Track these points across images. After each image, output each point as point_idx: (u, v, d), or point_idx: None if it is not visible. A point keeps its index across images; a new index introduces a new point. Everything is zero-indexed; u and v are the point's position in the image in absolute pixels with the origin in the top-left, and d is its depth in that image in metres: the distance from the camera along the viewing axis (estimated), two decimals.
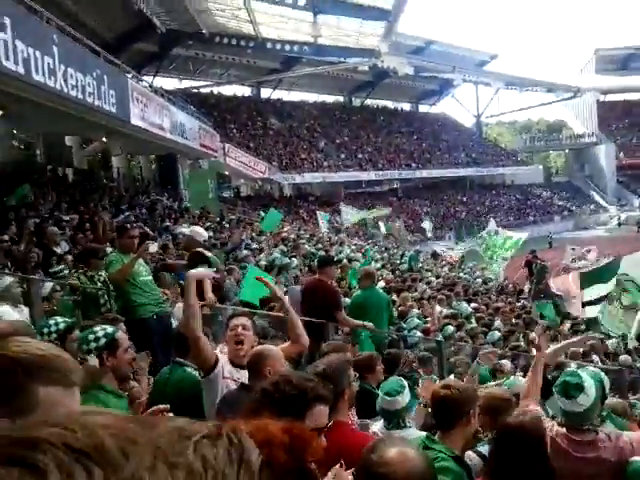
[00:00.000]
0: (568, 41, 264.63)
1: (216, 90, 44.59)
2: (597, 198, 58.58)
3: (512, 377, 6.64)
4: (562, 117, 73.95)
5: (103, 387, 2.82)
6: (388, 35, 33.28)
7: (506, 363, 7.55)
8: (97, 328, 3.03)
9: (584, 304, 17.14)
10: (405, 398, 3.45)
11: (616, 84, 63.91)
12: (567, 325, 14.02)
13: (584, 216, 53.31)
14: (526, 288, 19.66)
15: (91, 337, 2.92)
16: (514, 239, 20.25)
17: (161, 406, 1.56)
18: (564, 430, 2.83)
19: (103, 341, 2.91)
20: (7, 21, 8.16)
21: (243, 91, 48.53)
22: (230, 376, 3.41)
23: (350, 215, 25.71)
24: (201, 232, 7.37)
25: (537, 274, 19.94)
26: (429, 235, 30.45)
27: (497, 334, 9.78)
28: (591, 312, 15.65)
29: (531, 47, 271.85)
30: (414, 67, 46.31)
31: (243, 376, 3.38)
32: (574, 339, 5.44)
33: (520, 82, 57.73)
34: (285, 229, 19.74)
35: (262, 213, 20.45)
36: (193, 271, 3.71)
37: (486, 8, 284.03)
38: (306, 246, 16.61)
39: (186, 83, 43.28)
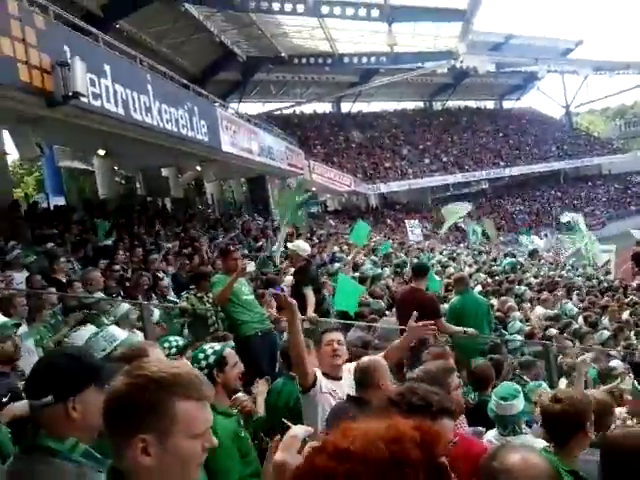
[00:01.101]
0: None
1: (298, 110, 45.59)
2: None
3: (628, 378, 6.33)
4: None
5: (214, 408, 2.92)
6: (465, 35, 32.54)
7: (618, 364, 7.17)
8: (206, 347, 3.21)
9: None
10: (520, 403, 3.40)
11: None
12: None
13: None
14: (635, 283, 18.53)
15: (201, 356, 3.10)
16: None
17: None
18: None
19: (212, 359, 3.08)
20: (107, 68, 8.90)
21: (324, 108, 49.30)
22: (327, 390, 3.52)
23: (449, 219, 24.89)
24: (304, 247, 7.53)
25: None
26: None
27: (606, 333, 9.33)
28: None
29: (618, 28, 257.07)
30: (495, 63, 45.03)
31: (338, 388, 3.52)
32: None
33: (610, 66, 54.65)
34: (373, 240, 19.78)
35: (329, 223, 20.38)
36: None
37: None
38: (400, 254, 16.61)
39: (269, 106, 44.51)
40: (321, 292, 7.76)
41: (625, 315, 11.87)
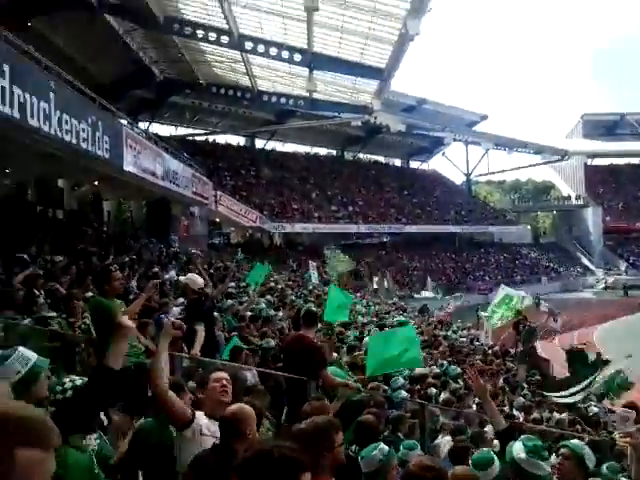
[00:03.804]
0: (556, 105, 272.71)
1: (211, 138, 45.32)
2: (584, 261, 59.18)
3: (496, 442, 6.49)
4: (550, 178, 75.44)
5: (67, 441, 2.67)
6: (381, 93, 33.91)
7: (490, 430, 7.36)
8: (65, 379, 2.96)
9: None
10: (374, 460, 3.39)
11: (603, 149, 65.57)
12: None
13: (571, 278, 53.66)
14: (514, 350, 19.50)
15: (58, 388, 2.85)
16: (516, 298, 19.78)
17: None
18: None
19: (69, 393, 2.84)
20: (6, 68, 8.30)
21: (238, 140, 49.42)
22: (208, 432, 3.32)
23: (335, 264, 25.30)
24: (197, 280, 7.24)
25: (525, 336, 19.82)
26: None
27: None
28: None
29: (520, 110, 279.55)
30: (406, 125, 47.25)
31: None
32: None
33: (509, 143, 59.02)
34: (273, 279, 19.61)
35: (239, 255, 20.35)
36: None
37: (478, 70, 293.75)
38: (293, 297, 16.50)
39: (182, 131, 44.02)
40: (213, 330, 7.47)
41: (500, 381, 12.36)
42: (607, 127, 66.17)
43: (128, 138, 13.76)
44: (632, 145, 64.35)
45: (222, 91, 34.37)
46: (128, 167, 13.63)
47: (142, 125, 31.96)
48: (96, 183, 16.02)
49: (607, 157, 67.21)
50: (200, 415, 3.41)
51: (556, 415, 10.07)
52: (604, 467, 5.50)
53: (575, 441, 3.70)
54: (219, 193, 30.20)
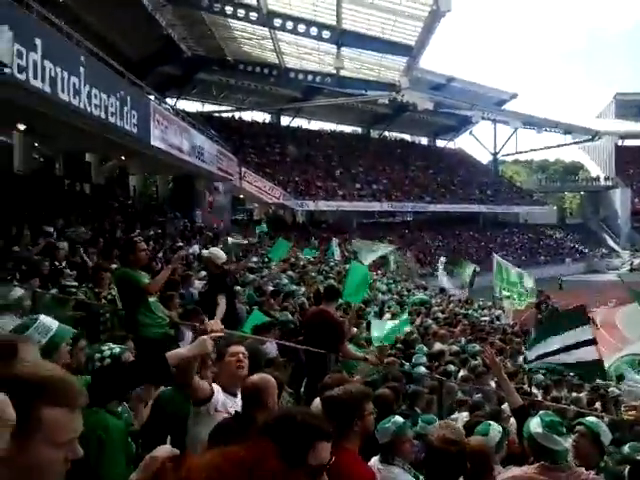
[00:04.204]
0: (587, 85, 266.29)
1: (237, 115, 45.34)
2: (610, 242, 58.08)
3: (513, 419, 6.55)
4: (579, 159, 73.93)
5: (106, 407, 2.77)
6: (409, 70, 33.50)
7: (506, 408, 7.41)
8: (104, 347, 2.99)
9: None
10: (388, 432, 3.43)
11: (634, 129, 63.78)
12: None
13: (596, 259, 52.83)
14: (534, 329, 19.36)
15: (97, 356, 2.89)
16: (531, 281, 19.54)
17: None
18: None
19: (108, 361, 2.88)
20: (38, 42, 8.45)
21: (264, 117, 49.33)
22: (224, 408, 3.35)
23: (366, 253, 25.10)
24: (220, 255, 7.28)
25: (547, 315, 19.69)
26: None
27: None
28: None
29: (550, 88, 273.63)
30: (434, 103, 46.58)
31: (236, 404, 3.35)
32: None
33: (538, 122, 57.80)
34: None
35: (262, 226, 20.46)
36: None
37: (508, 47, 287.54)
38: (313, 273, 16.63)
39: (208, 107, 44.09)
40: (234, 303, 7.60)
41: (520, 359, 12.34)
42: None
43: (156, 113, 13.92)
44: None
45: (249, 68, 34.28)
46: (155, 142, 13.80)
47: (169, 101, 32.12)
48: (123, 158, 16.23)
49: (639, 138, 65.46)
50: (218, 390, 3.41)
51: (574, 395, 10.08)
52: (626, 447, 5.51)
53: (591, 418, 3.69)
54: (244, 169, 30.32)
